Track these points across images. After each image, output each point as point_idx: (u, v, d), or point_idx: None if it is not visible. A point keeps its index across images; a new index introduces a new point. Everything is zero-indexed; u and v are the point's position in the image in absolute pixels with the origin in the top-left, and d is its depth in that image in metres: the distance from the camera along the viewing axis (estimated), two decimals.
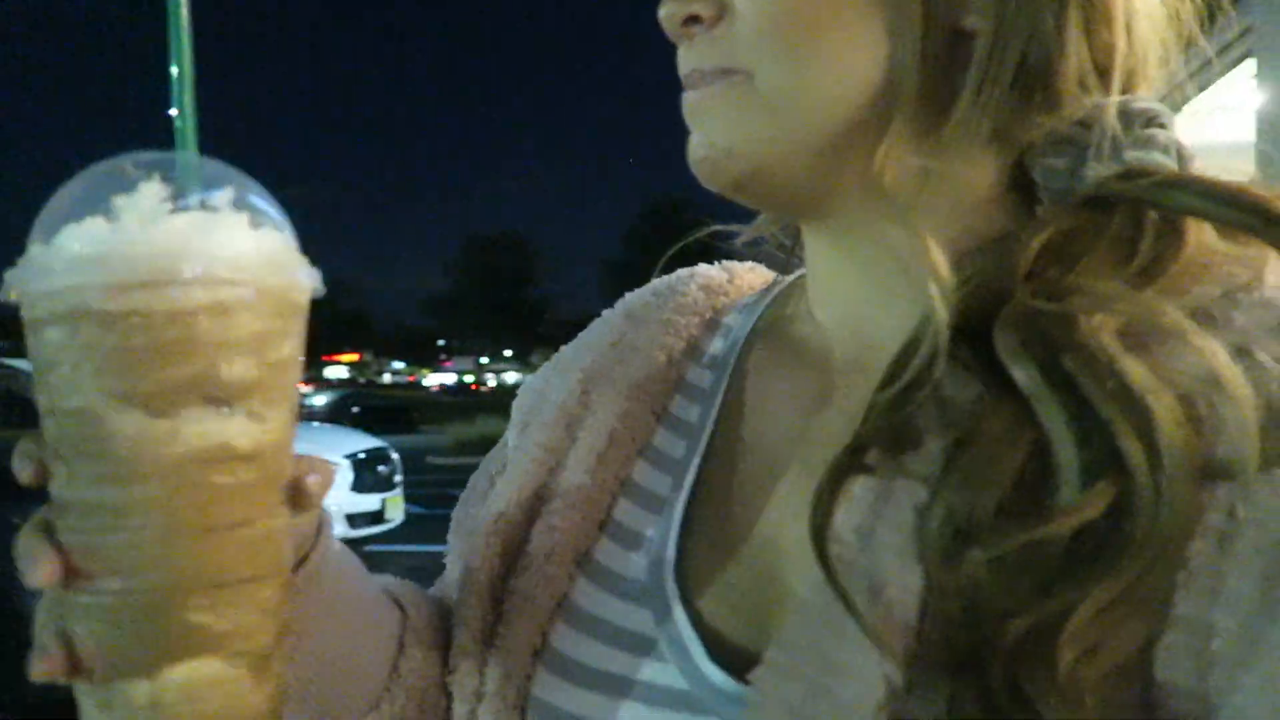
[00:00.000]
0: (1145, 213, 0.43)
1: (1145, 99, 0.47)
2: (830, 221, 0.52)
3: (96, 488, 0.35)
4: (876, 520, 0.42)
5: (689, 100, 0.50)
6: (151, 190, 0.35)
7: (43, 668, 0.37)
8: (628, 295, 0.68)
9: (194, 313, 0.35)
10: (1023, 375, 0.40)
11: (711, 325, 0.64)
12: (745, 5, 0.47)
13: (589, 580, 0.55)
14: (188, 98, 0.38)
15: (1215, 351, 0.38)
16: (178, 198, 0.36)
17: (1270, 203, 0.41)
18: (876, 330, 0.51)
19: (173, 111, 0.38)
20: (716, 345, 0.62)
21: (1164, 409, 0.37)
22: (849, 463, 0.43)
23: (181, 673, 0.37)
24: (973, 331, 0.42)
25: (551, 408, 0.61)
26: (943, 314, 0.42)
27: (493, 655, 0.54)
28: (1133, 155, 0.45)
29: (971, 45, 0.46)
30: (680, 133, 0.52)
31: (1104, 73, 0.47)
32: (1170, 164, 0.45)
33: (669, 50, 0.52)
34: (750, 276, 0.67)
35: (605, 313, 0.68)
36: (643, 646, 0.50)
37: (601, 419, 0.59)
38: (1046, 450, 0.38)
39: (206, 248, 0.35)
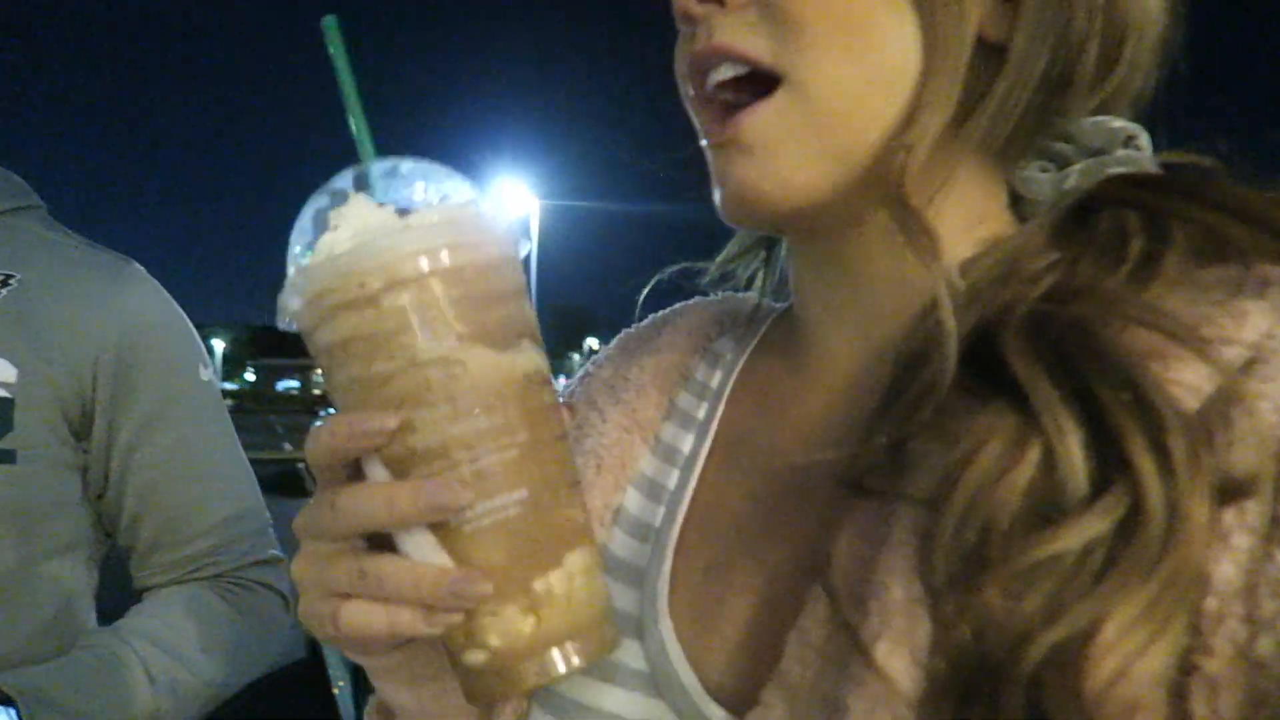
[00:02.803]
0: (1127, 218, 0.43)
1: (1121, 119, 0.47)
2: (843, 243, 0.50)
3: (478, 417, 0.40)
4: (879, 546, 0.39)
5: (739, 124, 0.46)
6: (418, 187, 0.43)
7: (481, 586, 0.39)
8: (624, 330, 0.68)
9: (502, 263, 0.42)
10: (1031, 381, 0.37)
11: (704, 353, 0.62)
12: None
13: None
14: (346, 84, 0.44)
15: (1228, 359, 0.36)
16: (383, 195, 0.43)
17: None
18: (877, 353, 0.49)
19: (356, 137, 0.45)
20: (709, 374, 0.61)
21: (1176, 419, 0.34)
22: (849, 487, 0.42)
23: (578, 559, 0.42)
24: (975, 344, 0.41)
25: None
26: (951, 326, 0.40)
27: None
28: (1115, 171, 0.45)
29: (1002, 54, 0.45)
30: None
31: (1099, 88, 0.47)
32: None
33: None
34: (742, 305, 0.65)
35: (603, 348, 0.68)
36: (639, 682, 0.48)
37: (590, 448, 0.58)
38: (1053, 465, 0.36)
39: (490, 216, 0.42)
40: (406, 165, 0.43)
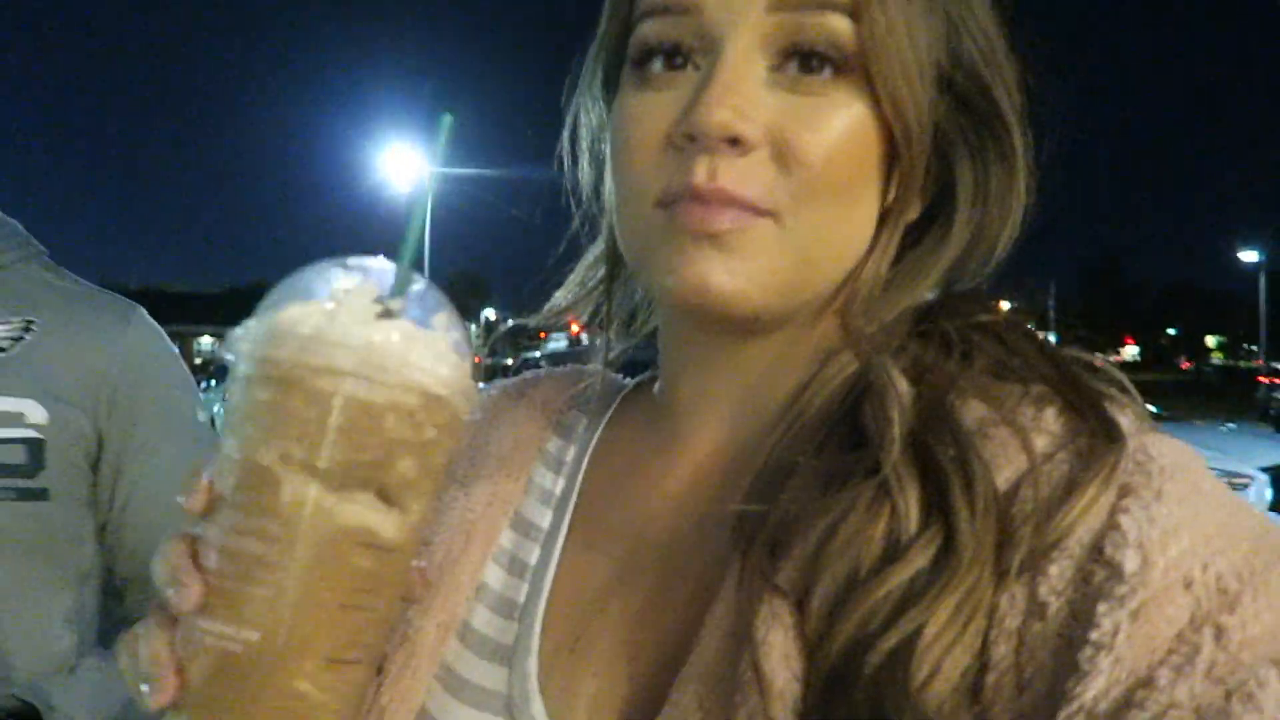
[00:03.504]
0: (948, 329, 0.51)
1: None
2: (747, 346, 0.55)
3: (257, 540, 0.38)
4: (745, 633, 0.44)
5: (718, 224, 0.48)
6: (366, 291, 0.40)
7: (162, 699, 0.38)
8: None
9: (386, 410, 0.39)
10: (884, 442, 0.45)
11: (555, 426, 0.64)
12: (808, 154, 0.48)
13: (445, 690, 0.54)
14: (417, 222, 0.43)
15: (1038, 447, 0.44)
16: (389, 301, 0.40)
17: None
18: (744, 443, 0.55)
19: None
20: (562, 447, 0.63)
21: (984, 473, 0.43)
22: (736, 569, 0.46)
23: None
24: (837, 425, 0.48)
25: None
26: (894, 419, 0.46)
27: None
28: (931, 297, 0.55)
29: (918, 228, 0.55)
30: None
31: None
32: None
33: None
34: (590, 378, 0.67)
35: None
36: None
37: (457, 522, 0.59)
38: (896, 516, 0.43)
39: (416, 358, 0.39)
40: (421, 283, 0.43)
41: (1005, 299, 0.57)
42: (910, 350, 0.51)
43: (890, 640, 0.40)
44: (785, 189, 0.49)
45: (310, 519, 0.38)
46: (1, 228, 1.09)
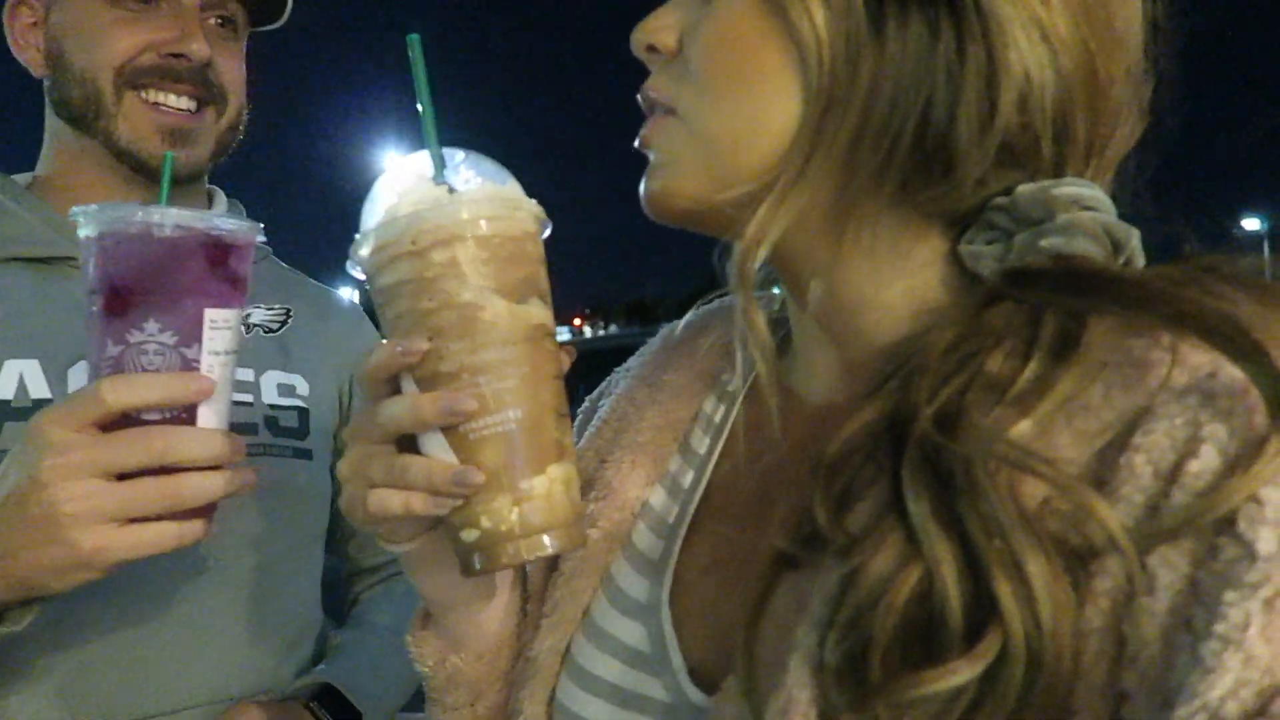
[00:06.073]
0: (1044, 311, 0.42)
1: (1076, 182, 0.45)
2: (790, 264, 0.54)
3: (490, 351, 0.52)
4: (797, 616, 0.43)
5: (641, 134, 0.55)
6: (424, 176, 0.55)
7: (477, 477, 0.50)
8: (665, 326, 0.73)
9: (525, 236, 0.54)
10: (915, 508, 0.39)
11: (730, 355, 0.66)
12: (689, 49, 0.52)
13: (605, 596, 0.60)
14: (425, 100, 0.56)
15: (1107, 516, 0.37)
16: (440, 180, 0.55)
17: (1185, 300, 0.38)
18: (828, 379, 0.56)
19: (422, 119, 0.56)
20: (730, 377, 0.65)
21: (1045, 573, 0.36)
22: (781, 557, 0.46)
23: (558, 470, 0.53)
24: (894, 437, 0.42)
25: (590, 435, 0.68)
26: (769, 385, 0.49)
27: (529, 661, 0.61)
28: (1050, 242, 0.44)
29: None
30: None
31: (1021, 150, 0.46)
32: (1095, 251, 0.44)
33: None
34: (770, 308, 0.67)
35: (649, 341, 0.73)
36: (640, 661, 0.56)
37: (628, 449, 0.65)
38: (930, 592, 0.38)
39: (519, 198, 0.55)
40: (460, 155, 0.56)
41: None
42: (972, 355, 0.43)
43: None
44: (687, 86, 0.52)
45: (519, 324, 0.53)
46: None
